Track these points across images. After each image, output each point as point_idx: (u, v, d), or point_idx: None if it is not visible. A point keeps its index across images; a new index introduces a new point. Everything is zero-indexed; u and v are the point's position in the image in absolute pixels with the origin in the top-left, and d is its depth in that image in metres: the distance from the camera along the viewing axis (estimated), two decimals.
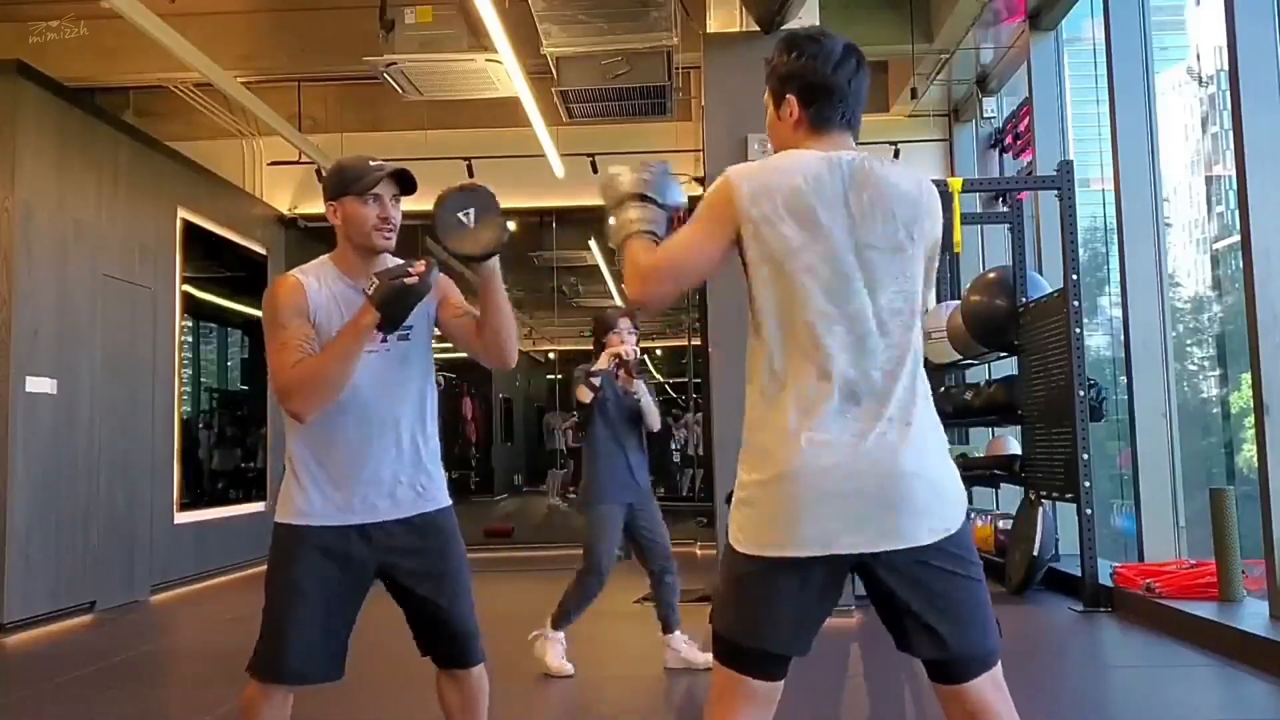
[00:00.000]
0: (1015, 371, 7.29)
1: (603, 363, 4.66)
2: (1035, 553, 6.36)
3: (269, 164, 9.97)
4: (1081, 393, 6.10)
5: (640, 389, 4.71)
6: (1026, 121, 8.35)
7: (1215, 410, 8.42)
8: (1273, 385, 4.80)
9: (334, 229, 2.47)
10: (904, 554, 1.83)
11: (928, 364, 2.05)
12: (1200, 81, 9.14)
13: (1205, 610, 5.05)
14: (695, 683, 4.46)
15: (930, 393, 1.94)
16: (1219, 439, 8.16)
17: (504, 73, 7.00)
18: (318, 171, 9.39)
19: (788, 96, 2.01)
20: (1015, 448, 7.40)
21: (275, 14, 8.20)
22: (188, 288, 8.48)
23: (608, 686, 4.72)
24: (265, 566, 2.41)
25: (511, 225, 2.37)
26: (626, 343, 4.66)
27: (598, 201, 2.13)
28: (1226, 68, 5.10)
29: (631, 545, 4.81)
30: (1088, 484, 6.03)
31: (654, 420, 4.77)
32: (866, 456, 1.82)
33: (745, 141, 5.95)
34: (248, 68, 8.15)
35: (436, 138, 9.02)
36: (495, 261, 2.36)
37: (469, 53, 6.79)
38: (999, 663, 1.89)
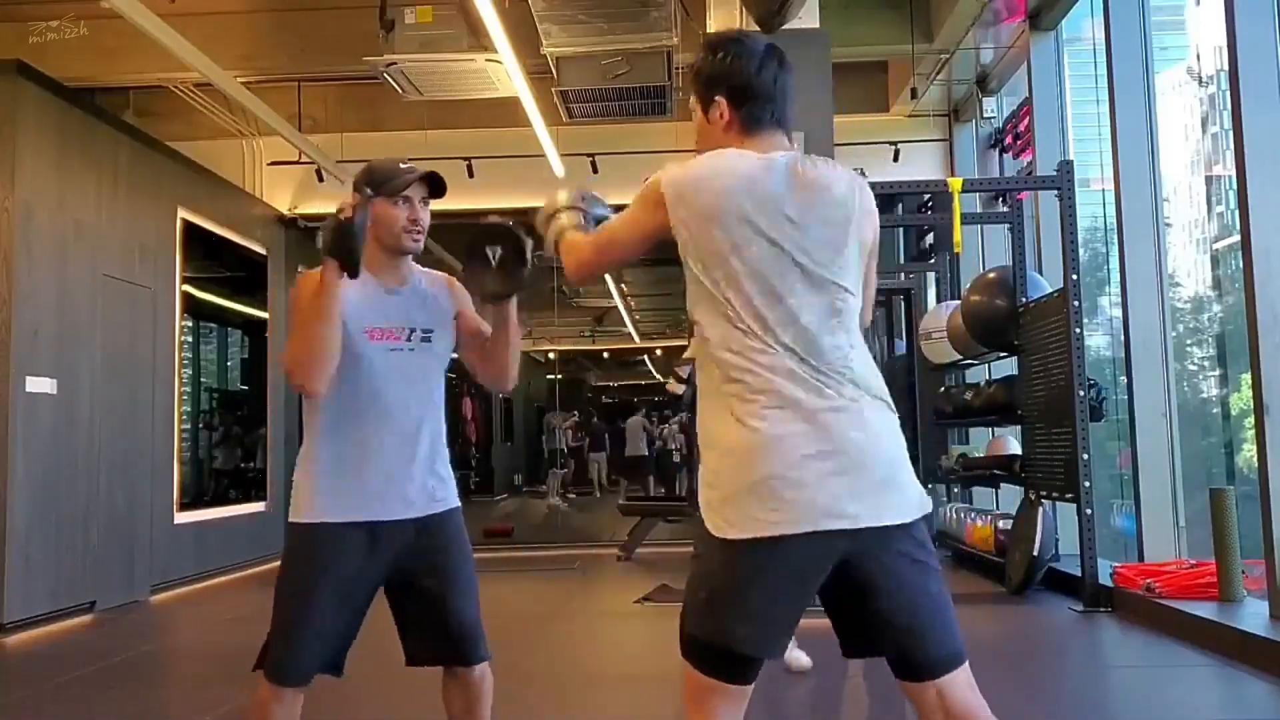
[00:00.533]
0: (1015, 371, 7.29)
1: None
2: (1035, 553, 6.36)
3: (269, 164, 9.97)
4: (1081, 393, 6.10)
5: None
6: (1026, 121, 8.35)
7: (1215, 410, 8.43)
8: (1273, 385, 4.80)
9: None
10: (884, 538, 1.81)
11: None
12: (1200, 81, 9.16)
13: (1205, 610, 5.04)
14: None
15: (886, 389, 1.93)
16: (1219, 439, 8.17)
17: (504, 73, 7.00)
18: (318, 172, 9.40)
19: (717, 99, 2.00)
20: (1015, 448, 7.40)
21: (275, 14, 8.21)
22: (188, 288, 8.47)
23: (608, 686, 4.72)
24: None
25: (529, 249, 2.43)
26: None
27: None
28: (1226, 68, 5.09)
29: None
30: (1088, 484, 6.03)
31: None
32: (831, 440, 1.81)
33: None
34: (248, 68, 8.16)
35: (436, 138, 9.01)
36: (513, 301, 2.44)
37: (469, 53, 6.79)
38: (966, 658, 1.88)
